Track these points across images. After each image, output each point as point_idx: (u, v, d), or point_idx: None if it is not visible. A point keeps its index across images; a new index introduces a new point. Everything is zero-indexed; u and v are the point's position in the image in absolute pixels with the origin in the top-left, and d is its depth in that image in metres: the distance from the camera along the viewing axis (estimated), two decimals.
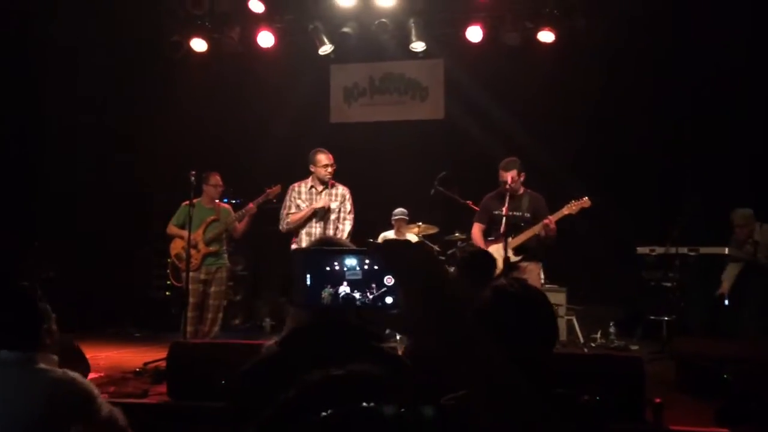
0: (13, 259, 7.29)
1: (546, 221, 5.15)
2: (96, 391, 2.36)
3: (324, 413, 0.61)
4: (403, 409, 0.63)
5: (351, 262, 0.97)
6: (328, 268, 0.97)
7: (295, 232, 5.62)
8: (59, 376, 2.30)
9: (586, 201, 5.27)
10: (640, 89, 7.57)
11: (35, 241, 7.63)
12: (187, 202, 5.71)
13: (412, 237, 7.14)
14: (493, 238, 5.44)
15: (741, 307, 6.26)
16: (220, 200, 6.23)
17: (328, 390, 0.64)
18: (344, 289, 0.96)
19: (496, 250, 5.30)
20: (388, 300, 0.95)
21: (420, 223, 7.26)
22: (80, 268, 7.64)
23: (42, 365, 2.30)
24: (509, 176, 5.32)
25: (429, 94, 8.94)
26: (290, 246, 5.66)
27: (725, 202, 6.74)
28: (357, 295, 0.96)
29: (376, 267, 0.96)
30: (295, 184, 5.70)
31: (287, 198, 5.66)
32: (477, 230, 5.59)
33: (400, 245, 0.92)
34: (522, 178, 5.41)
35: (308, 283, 0.96)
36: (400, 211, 7.12)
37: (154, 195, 7.77)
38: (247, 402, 1.60)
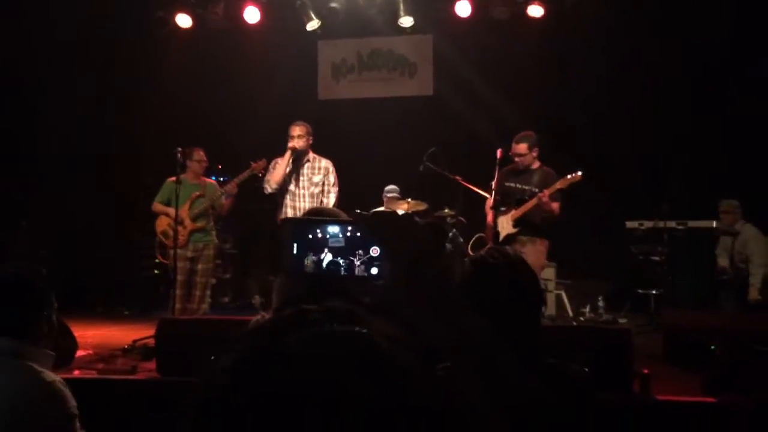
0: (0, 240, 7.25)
1: (540, 195, 5.16)
2: (72, 400, 2.14)
3: (297, 336, 0.60)
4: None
5: (333, 229, 0.96)
6: (311, 236, 0.96)
7: (279, 205, 5.57)
8: (40, 379, 2.09)
9: (578, 175, 5.24)
10: (630, 64, 7.55)
11: (22, 220, 7.56)
12: (173, 179, 5.66)
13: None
14: (504, 209, 5.44)
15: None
16: (206, 176, 6.18)
17: (301, 320, 0.63)
18: (327, 256, 0.95)
19: (503, 222, 5.37)
20: (374, 271, 0.94)
21: (409, 200, 7.23)
22: (68, 247, 7.59)
23: (31, 363, 2.12)
24: (518, 149, 5.35)
25: (417, 70, 8.87)
26: (276, 224, 5.63)
27: (714, 177, 6.78)
28: (341, 262, 0.95)
29: (358, 234, 0.95)
30: (278, 158, 5.65)
31: (269, 167, 5.63)
32: (491, 202, 5.54)
33: (387, 217, 0.91)
34: (535, 153, 5.40)
35: (294, 251, 0.96)
36: (391, 188, 7.10)
37: (140, 172, 7.69)
38: None
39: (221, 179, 6.61)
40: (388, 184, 7.14)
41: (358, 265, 0.96)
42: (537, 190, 5.28)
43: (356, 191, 7.22)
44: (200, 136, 6.78)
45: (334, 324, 0.62)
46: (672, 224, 6.42)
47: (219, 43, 8.29)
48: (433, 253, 0.88)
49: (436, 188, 6.90)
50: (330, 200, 5.58)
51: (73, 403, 2.15)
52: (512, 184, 5.43)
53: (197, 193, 5.90)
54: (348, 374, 0.57)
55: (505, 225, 5.41)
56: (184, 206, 5.77)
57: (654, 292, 6.45)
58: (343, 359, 0.58)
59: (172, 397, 3.50)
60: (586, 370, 3.53)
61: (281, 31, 8.20)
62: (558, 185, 5.22)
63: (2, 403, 2.05)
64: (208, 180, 6.16)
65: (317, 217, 1.78)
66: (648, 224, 6.55)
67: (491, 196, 5.37)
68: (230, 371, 0.61)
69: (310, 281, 1.07)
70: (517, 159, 5.39)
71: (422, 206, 7.30)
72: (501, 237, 5.37)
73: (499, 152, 5.38)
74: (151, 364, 4.08)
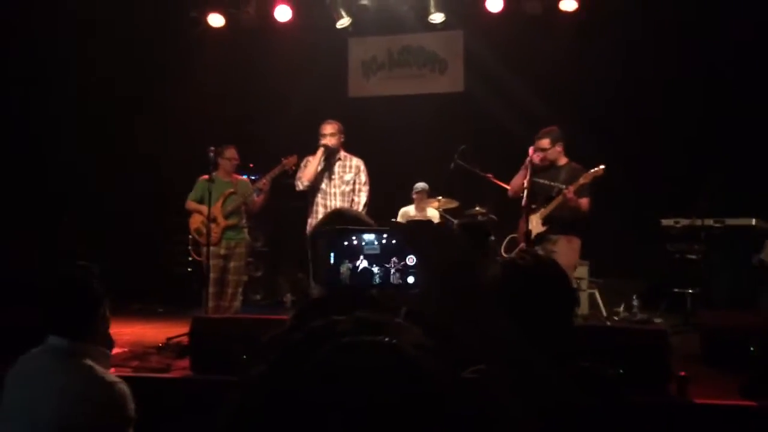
0: (49, 234, 7.42)
1: (565, 191, 5.11)
2: (131, 403, 2.22)
3: (328, 347, 0.62)
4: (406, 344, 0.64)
5: (369, 236, 0.95)
6: (346, 243, 0.95)
7: (311, 203, 5.61)
8: (101, 380, 2.17)
9: (600, 169, 5.16)
10: (665, 58, 7.40)
11: (65, 215, 7.72)
12: (205, 177, 5.72)
13: (432, 211, 7.10)
14: (534, 207, 5.38)
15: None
16: (238, 174, 6.23)
17: (332, 331, 0.65)
18: (362, 263, 0.95)
19: (534, 221, 5.34)
20: (410, 280, 0.94)
21: (440, 198, 7.22)
22: (103, 245, 7.73)
23: (88, 361, 2.19)
24: (541, 144, 5.30)
25: (448, 66, 8.82)
26: (307, 222, 5.65)
27: (751, 173, 6.61)
28: (375, 269, 0.94)
29: (394, 241, 0.94)
30: (309, 157, 5.68)
31: (301, 165, 5.66)
32: (518, 180, 5.46)
33: (422, 227, 0.91)
34: (559, 148, 5.34)
35: (332, 261, 0.96)
36: (421, 186, 7.08)
37: (173, 170, 7.79)
38: None
39: (253, 177, 6.67)
40: (418, 182, 7.12)
41: (393, 273, 0.95)
42: (564, 186, 5.22)
43: (386, 189, 7.21)
44: (232, 135, 6.84)
45: (363, 334, 0.63)
46: (709, 222, 6.28)
47: (251, 42, 8.36)
48: (468, 261, 0.88)
49: (467, 186, 6.87)
50: (361, 199, 5.59)
51: (132, 405, 2.20)
52: (540, 180, 5.37)
53: (230, 190, 5.95)
54: (375, 383, 0.59)
55: (536, 223, 5.36)
56: (217, 204, 5.82)
57: (690, 291, 6.32)
58: (371, 369, 0.60)
59: (206, 395, 3.54)
60: (621, 371, 3.48)
61: (312, 29, 8.22)
62: (581, 180, 5.16)
63: (63, 404, 2.10)
64: (239, 177, 6.21)
65: (340, 220, 1.77)
66: (684, 222, 6.42)
67: (511, 186, 5.36)
68: (264, 380, 0.63)
69: (344, 289, 1.07)
70: (540, 154, 5.32)
71: (453, 204, 7.28)
72: (533, 236, 5.31)
73: (531, 151, 5.32)
74: (185, 362, 4.13)
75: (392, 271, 0.95)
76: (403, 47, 8.96)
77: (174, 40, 8.21)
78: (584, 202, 5.17)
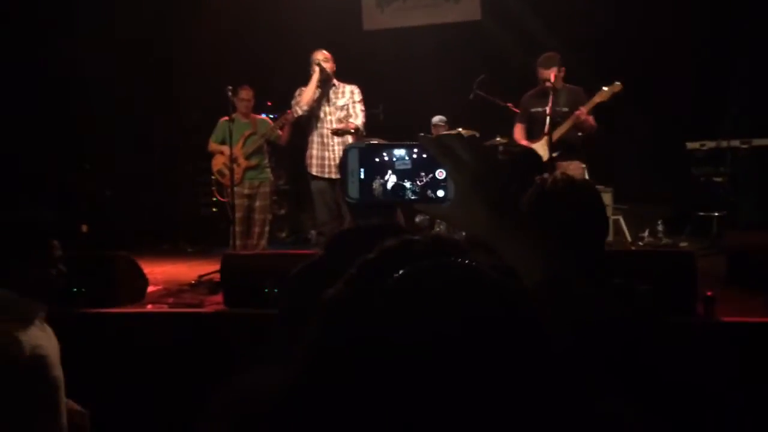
0: (65, 182, 7.49)
1: (577, 113, 5.01)
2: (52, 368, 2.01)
3: (403, 270, 0.58)
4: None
5: (399, 152, 0.95)
6: (377, 160, 0.95)
7: (308, 133, 5.63)
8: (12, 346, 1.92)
9: (617, 86, 5.03)
10: None
11: (85, 163, 7.79)
12: (226, 118, 5.71)
13: None
14: (534, 138, 5.33)
15: None
16: (256, 113, 6.22)
17: (407, 250, 0.62)
18: (391, 177, 0.94)
19: (537, 149, 5.27)
20: (440, 193, 0.93)
21: (460, 129, 7.15)
22: (130, 188, 7.82)
23: (15, 316, 1.97)
24: (550, 73, 5.15)
25: None
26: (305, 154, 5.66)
27: None
28: (407, 184, 0.94)
29: (425, 156, 0.94)
30: (302, 87, 5.63)
31: (295, 94, 5.62)
32: (518, 130, 5.52)
33: (452, 139, 0.90)
34: (562, 74, 5.23)
35: (362, 177, 0.95)
36: (438, 119, 7.02)
37: (192, 112, 7.77)
38: (295, 304, 1.63)
39: (272, 116, 6.64)
40: (435, 115, 7.05)
41: (423, 187, 0.95)
42: (567, 110, 5.13)
43: (404, 122, 7.16)
44: (246, 72, 6.78)
45: (442, 255, 0.60)
46: (735, 143, 6.17)
47: None
48: (501, 171, 0.86)
49: (486, 116, 6.78)
50: (358, 121, 5.54)
51: (53, 371, 2.03)
52: (539, 109, 5.24)
53: (249, 131, 5.96)
54: (468, 310, 0.55)
55: (541, 151, 5.29)
56: (237, 145, 5.84)
57: (716, 214, 6.28)
58: (461, 292, 0.56)
59: (240, 327, 3.64)
60: (652, 288, 3.49)
61: None
62: (597, 99, 5.06)
63: None
64: (258, 116, 6.20)
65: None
66: (710, 144, 6.31)
67: (545, 121, 5.24)
68: (342, 310, 0.59)
69: (375, 208, 1.06)
70: (547, 84, 5.17)
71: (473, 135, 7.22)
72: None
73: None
74: (217, 298, 4.22)
75: (422, 185, 0.95)
76: None
77: None
78: (592, 120, 5.11)
